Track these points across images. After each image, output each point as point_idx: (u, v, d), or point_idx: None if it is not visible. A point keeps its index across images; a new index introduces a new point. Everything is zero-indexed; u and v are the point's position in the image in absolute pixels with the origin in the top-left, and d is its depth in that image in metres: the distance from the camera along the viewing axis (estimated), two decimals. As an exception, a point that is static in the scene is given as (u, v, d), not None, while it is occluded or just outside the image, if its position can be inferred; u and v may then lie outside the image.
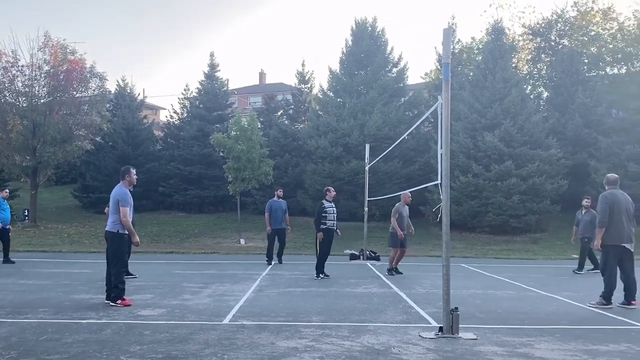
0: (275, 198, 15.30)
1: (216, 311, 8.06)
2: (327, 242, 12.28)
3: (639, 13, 31.10)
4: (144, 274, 12.71)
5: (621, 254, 9.07)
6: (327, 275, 12.33)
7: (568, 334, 6.89)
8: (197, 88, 32.59)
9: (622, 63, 31.42)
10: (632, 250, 9.23)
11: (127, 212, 8.49)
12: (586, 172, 25.89)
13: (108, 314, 7.76)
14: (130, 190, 8.75)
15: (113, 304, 8.38)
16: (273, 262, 15.17)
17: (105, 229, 8.67)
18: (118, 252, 8.57)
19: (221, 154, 26.43)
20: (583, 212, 14.32)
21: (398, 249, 13.11)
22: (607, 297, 8.99)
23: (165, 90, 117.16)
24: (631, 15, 31.50)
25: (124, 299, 8.45)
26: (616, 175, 9.93)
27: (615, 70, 31.82)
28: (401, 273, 13.10)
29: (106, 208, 9.72)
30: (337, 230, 12.50)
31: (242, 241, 22.21)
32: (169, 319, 7.45)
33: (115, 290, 8.49)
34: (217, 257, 17.93)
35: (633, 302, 8.96)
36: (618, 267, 9.12)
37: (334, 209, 12.45)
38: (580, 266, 14.33)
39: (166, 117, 36.26)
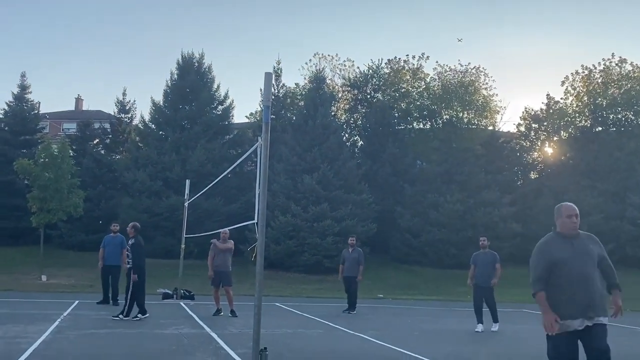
0: (112, 234, 14.54)
1: (5, 355, 7.25)
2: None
3: (443, 75, 34.78)
4: None
5: None
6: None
7: (369, 370, 7.25)
8: (4, 109, 29.94)
9: (427, 119, 34.75)
10: None
11: None
12: (392, 217, 27.92)
13: None
14: None
15: None
16: (109, 302, 13.89)
17: None
18: None
19: (26, 182, 24.31)
20: (350, 250, 15.02)
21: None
22: None
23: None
24: (436, 77, 35.07)
25: None
26: None
27: (422, 125, 35.05)
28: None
29: None
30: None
31: (44, 277, 20.38)
32: (-56, 367, 6.55)
33: None
34: (13, 294, 16.20)
35: None
36: None
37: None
38: (352, 306, 14.52)
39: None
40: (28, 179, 21.81)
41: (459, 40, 50.82)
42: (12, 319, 10.72)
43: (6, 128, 29.35)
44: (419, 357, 8.45)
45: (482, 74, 34.76)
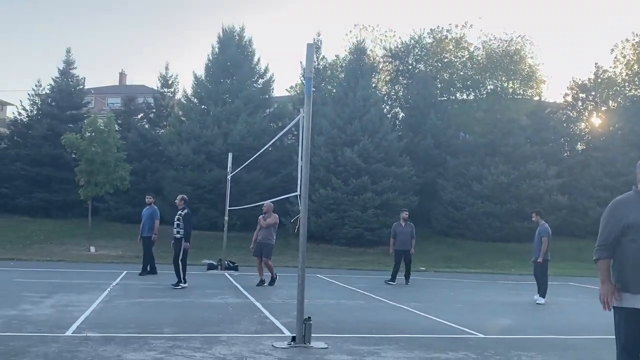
0: (147, 206, 14.84)
1: (59, 322, 7.54)
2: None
3: (487, 44, 33.98)
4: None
5: None
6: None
7: (412, 342, 7.28)
8: (50, 85, 30.49)
9: (471, 89, 34.08)
10: None
11: None
12: (434, 190, 27.67)
13: None
14: None
15: None
16: (147, 273, 14.42)
17: None
18: None
19: (73, 156, 24.93)
20: (403, 224, 15.33)
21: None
22: None
23: (15, 85, 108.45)
24: (480, 46, 34.29)
25: None
26: None
27: (465, 96, 34.43)
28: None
29: None
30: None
31: (93, 249, 21.02)
32: (5, 331, 6.86)
33: None
34: (64, 265, 16.81)
35: None
36: None
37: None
38: (408, 278, 15.05)
39: (13, 114, 33.60)
40: (75, 153, 22.27)
41: None
42: (64, 289, 11.13)
43: (53, 103, 29.98)
44: (464, 329, 8.43)
45: (528, 42, 33.85)
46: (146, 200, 15.02)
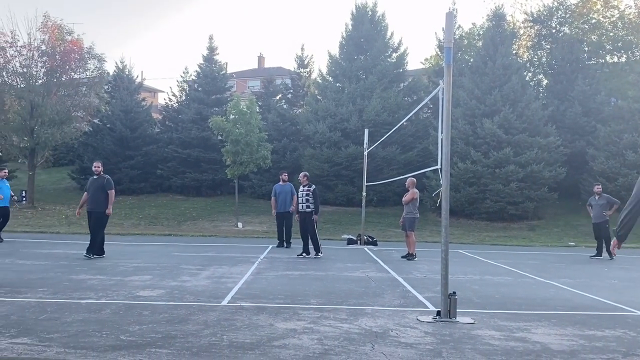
0: (280, 182, 15.39)
1: (215, 293, 8.08)
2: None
3: (640, 1, 30.96)
4: (142, 255, 12.73)
5: None
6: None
7: (565, 319, 6.93)
8: (196, 71, 32.45)
9: (622, 51, 31.33)
10: None
11: None
12: (584, 160, 25.93)
13: (107, 294, 7.78)
14: None
15: None
16: (284, 246, 15.31)
17: None
18: None
19: (219, 138, 26.37)
20: (596, 197, 15.22)
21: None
22: None
23: (164, 73, 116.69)
24: (632, 4, 31.30)
25: None
26: None
27: (615, 59, 31.73)
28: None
29: None
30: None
31: (240, 225, 22.25)
32: (168, 300, 7.47)
33: None
34: (215, 240, 17.97)
35: None
36: None
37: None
38: (600, 253, 14.87)
39: (164, 100, 36.18)
40: (221, 134, 23.54)
41: None
42: (217, 262, 11.90)
43: (199, 88, 31.86)
44: (621, 305, 7.88)
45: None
46: (282, 177, 15.36)
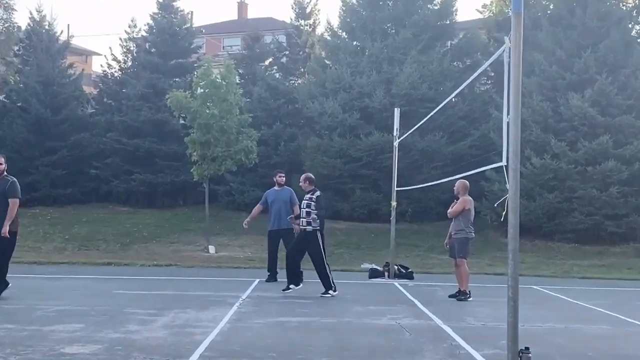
0: (276, 187, 15.47)
1: (176, 349, 8.09)
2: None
3: None
4: (70, 294, 12.76)
5: None
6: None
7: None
8: (148, 24, 32.46)
9: None
10: None
11: None
12: None
13: (17, 351, 7.78)
14: None
15: None
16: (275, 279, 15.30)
17: None
18: None
19: (182, 122, 26.41)
20: None
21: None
22: None
23: (100, 28, 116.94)
24: None
25: None
26: None
27: None
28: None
29: None
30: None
31: (212, 249, 22.27)
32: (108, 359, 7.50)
33: None
34: (176, 271, 17.99)
35: None
36: None
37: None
38: None
39: (101, 67, 36.21)
40: (184, 116, 23.54)
41: None
42: (179, 303, 11.90)
43: (153, 49, 31.89)
44: None
45: None
46: (277, 179, 15.50)
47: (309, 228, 13.17)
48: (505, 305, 6.92)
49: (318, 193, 13.39)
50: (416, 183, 20.84)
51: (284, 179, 15.69)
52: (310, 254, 13.31)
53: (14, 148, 28.82)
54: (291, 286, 13.32)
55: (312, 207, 13.16)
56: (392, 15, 28.58)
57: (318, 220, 13.16)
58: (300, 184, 13.74)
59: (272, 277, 15.34)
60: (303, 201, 13.43)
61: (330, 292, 13.18)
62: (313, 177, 13.93)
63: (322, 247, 13.23)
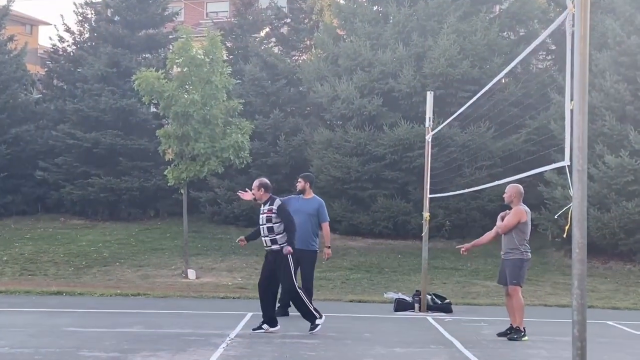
0: (298, 194, 15.37)
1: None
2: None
3: None
4: (9, 332, 12.79)
5: None
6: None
7: None
8: (110, -14, 32.59)
9: None
10: None
11: None
12: None
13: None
14: None
15: None
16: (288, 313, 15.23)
17: None
18: None
19: (154, 110, 26.45)
20: None
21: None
22: None
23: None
24: None
25: None
26: None
27: None
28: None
29: None
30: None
31: (192, 273, 22.29)
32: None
33: None
34: (146, 302, 17.99)
35: None
36: None
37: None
38: None
39: (51, 39, 36.28)
40: (156, 103, 23.57)
41: None
42: (150, 344, 11.92)
43: (116, 17, 31.97)
44: None
45: None
46: (300, 185, 15.38)
47: (275, 247, 13.09)
48: (570, 346, 6.91)
49: (278, 201, 13.28)
50: (455, 188, 20.85)
51: (307, 184, 15.40)
52: (279, 275, 13.18)
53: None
54: (264, 326, 13.22)
55: (274, 221, 13.08)
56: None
57: (284, 234, 13.08)
58: (253, 192, 13.49)
59: (282, 310, 15.19)
60: (261, 215, 13.30)
61: (318, 321, 13.10)
62: (268, 182, 13.65)
63: (291, 267, 13.14)
